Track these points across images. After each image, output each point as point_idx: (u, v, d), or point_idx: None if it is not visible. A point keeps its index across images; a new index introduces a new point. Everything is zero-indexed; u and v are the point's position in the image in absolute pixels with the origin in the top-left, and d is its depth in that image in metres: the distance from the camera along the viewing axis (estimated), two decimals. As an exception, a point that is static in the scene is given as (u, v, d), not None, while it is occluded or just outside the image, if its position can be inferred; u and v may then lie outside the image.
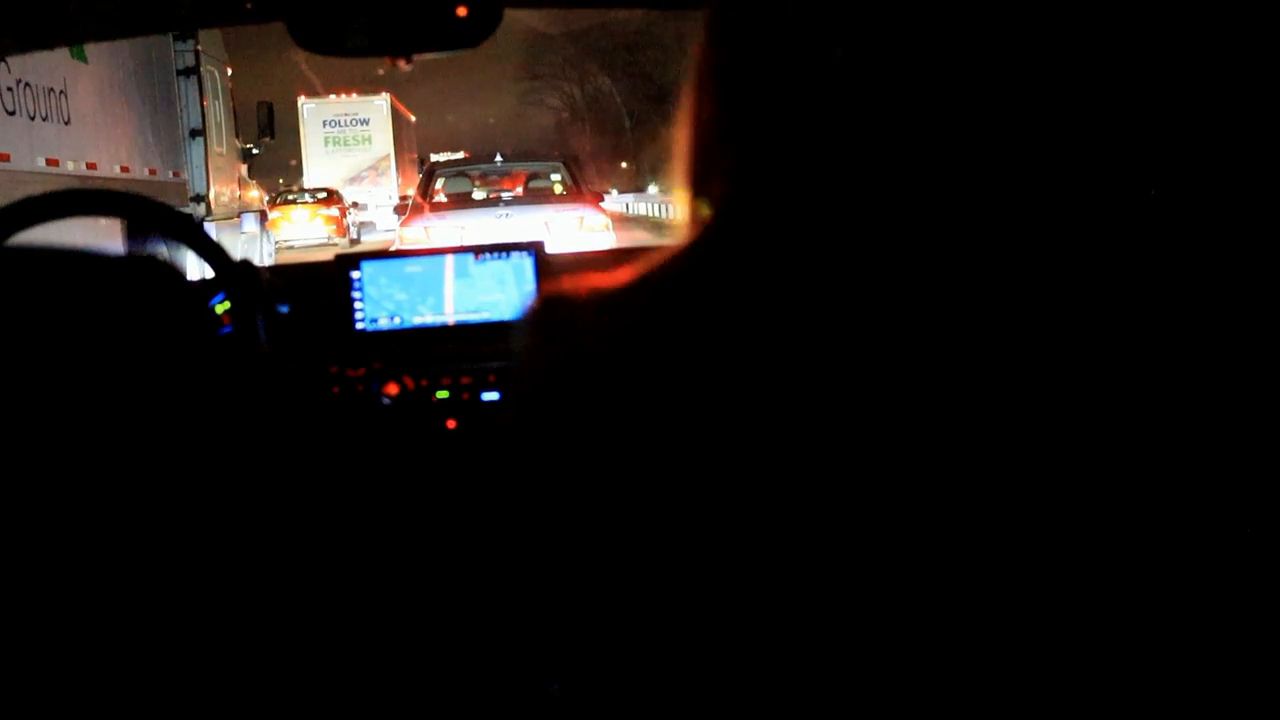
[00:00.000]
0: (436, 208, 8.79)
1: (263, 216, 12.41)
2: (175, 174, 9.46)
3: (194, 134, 9.85)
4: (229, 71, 11.41)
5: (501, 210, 8.51)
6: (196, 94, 9.86)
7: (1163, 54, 0.74)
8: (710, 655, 0.64)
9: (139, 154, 8.53)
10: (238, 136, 11.81)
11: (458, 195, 9.25)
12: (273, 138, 12.53)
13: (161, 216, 1.47)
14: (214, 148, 10.30)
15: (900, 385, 0.62)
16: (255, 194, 12.86)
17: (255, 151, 12.40)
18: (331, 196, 23.25)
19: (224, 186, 10.75)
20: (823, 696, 0.62)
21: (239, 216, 10.91)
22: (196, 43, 9.52)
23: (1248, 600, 0.62)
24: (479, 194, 9.90)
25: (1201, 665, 0.62)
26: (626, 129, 49.84)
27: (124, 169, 8.11)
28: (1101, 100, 0.70)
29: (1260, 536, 0.62)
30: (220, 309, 1.51)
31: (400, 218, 9.14)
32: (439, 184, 9.40)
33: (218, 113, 10.70)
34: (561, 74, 54.78)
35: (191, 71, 9.76)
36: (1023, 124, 0.66)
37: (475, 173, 10.49)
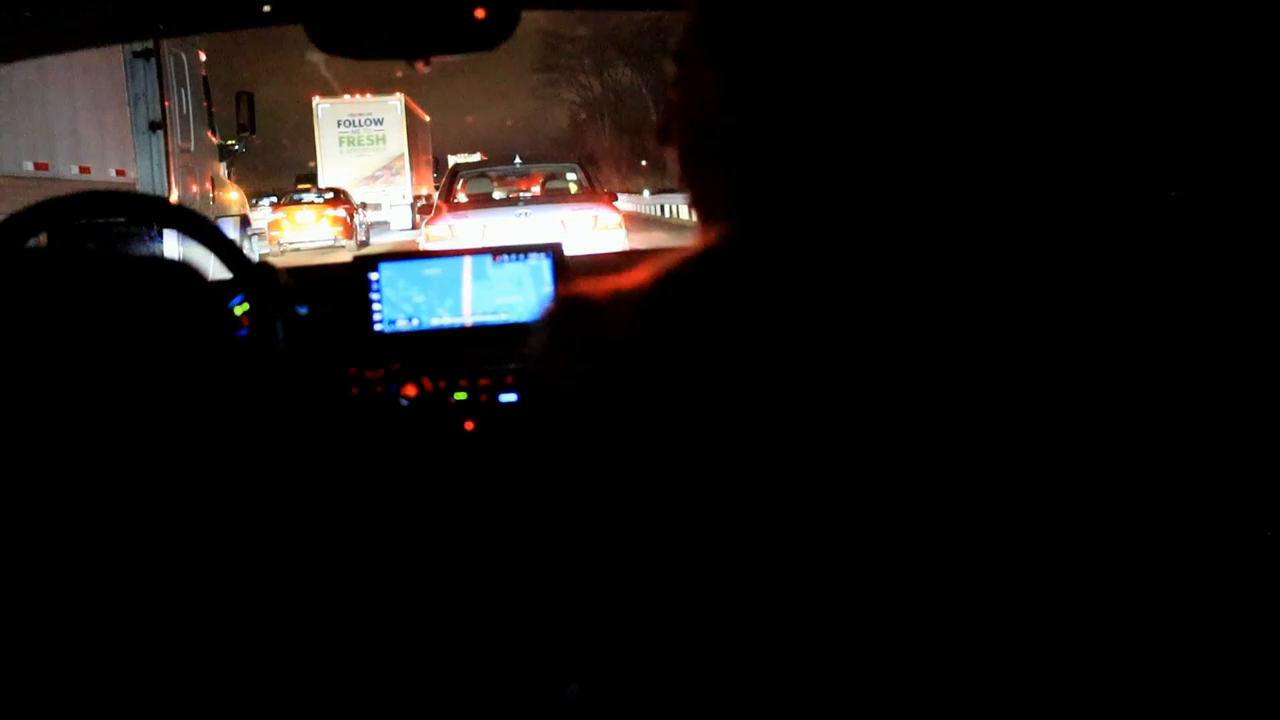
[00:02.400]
0: (460, 207, 9.38)
1: (244, 221, 11.07)
2: (119, 172, 8.37)
3: (153, 127, 8.61)
4: (202, 57, 10.12)
5: (521, 209, 9.02)
6: (155, 81, 8.60)
7: (1185, 59, 0.74)
8: (725, 657, 0.64)
9: (65, 147, 7.43)
10: (213, 131, 10.46)
11: (479, 195, 9.92)
12: (254, 133, 10.90)
13: (180, 218, 1.48)
14: (178, 143, 9.02)
15: (915, 386, 0.63)
16: (235, 196, 11.45)
17: (237, 149, 11.01)
18: (338, 196, 22.33)
19: (192, 188, 9.46)
20: (836, 699, 0.63)
21: (214, 222, 9.83)
22: (155, 21, 8.57)
23: (1248, 600, 0.63)
24: (499, 194, 10.37)
25: (1201, 665, 0.63)
26: (653, 121, 47.11)
27: (40, 165, 7.05)
28: (1123, 104, 0.70)
29: (1264, 537, 0.62)
30: (239, 310, 1.53)
31: (425, 217, 9.67)
32: (462, 184, 10.08)
33: (184, 103, 9.35)
34: (579, 65, 52.30)
35: (150, 54, 8.53)
36: (1044, 129, 0.66)
37: (496, 174, 11.08)
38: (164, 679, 1.43)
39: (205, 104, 10.15)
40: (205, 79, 10.31)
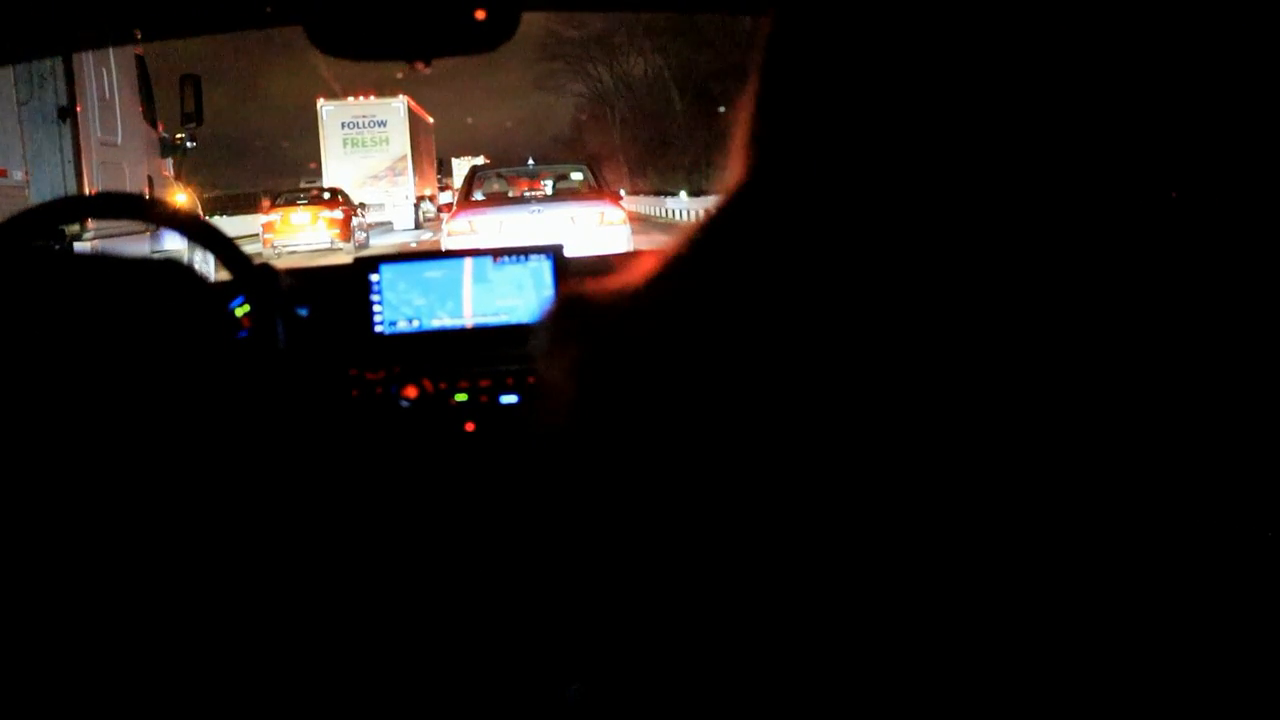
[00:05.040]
0: (478, 204, 10.24)
1: None
2: (-1, 172, 6.74)
3: (62, 115, 7.01)
4: (137, 34, 7.71)
5: (534, 207, 9.86)
6: (62, 58, 6.89)
7: (1186, 58, 0.74)
8: (726, 658, 0.65)
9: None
10: (153, 123, 8.81)
11: (496, 194, 10.83)
12: (200, 123, 8.96)
13: (180, 219, 1.49)
14: (97, 135, 7.43)
15: (920, 387, 0.63)
16: (182, 199, 9.77)
17: (189, 144, 9.31)
18: (335, 197, 21.78)
19: (116, 189, 7.43)
20: (835, 699, 0.63)
21: (152, 230, 7.72)
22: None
23: (1248, 600, 0.63)
24: (514, 192, 11.20)
25: (1201, 665, 0.63)
26: (677, 111, 40.99)
27: None
28: (1124, 104, 0.70)
29: (1264, 537, 0.62)
30: (240, 312, 1.54)
31: (446, 214, 10.70)
32: (480, 184, 11.06)
33: (107, 87, 7.70)
34: (586, 55, 49.10)
35: (54, 24, 6.91)
36: (1045, 127, 0.67)
37: (511, 174, 12.12)
38: (164, 679, 1.43)
39: (140, 89, 8.52)
40: (141, 59, 8.78)
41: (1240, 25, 0.78)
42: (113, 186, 7.55)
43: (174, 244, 7.93)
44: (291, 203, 21.54)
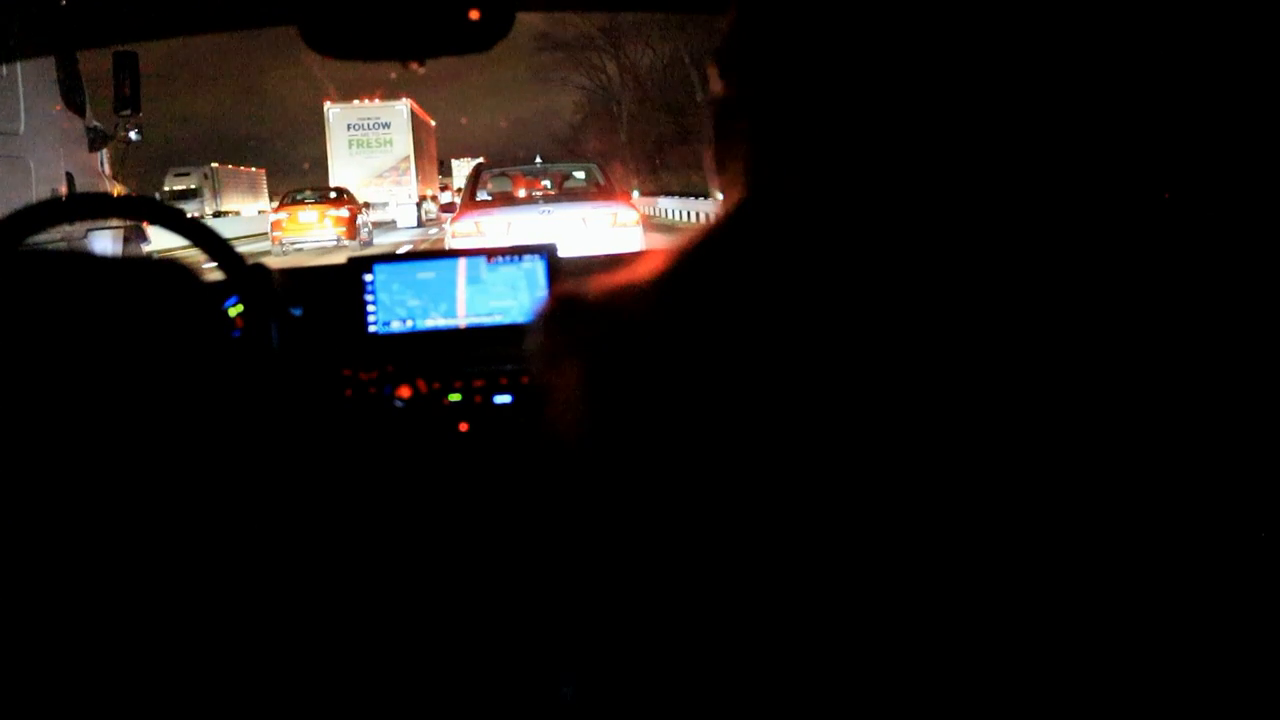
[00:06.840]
0: (484, 205, 9.75)
1: (133, 235, 7.98)
2: None
3: None
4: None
5: (543, 207, 9.37)
6: None
7: (1181, 60, 0.74)
8: (721, 657, 0.64)
9: None
10: (80, 109, 7.50)
11: (503, 194, 10.46)
12: (136, 112, 7.29)
13: (173, 219, 1.48)
14: None
15: (916, 387, 0.62)
16: None
17: (134, 137, 7.82)
18: (342, 196, 22.27)
19: (15, 191, 6.31)
20: (830, 698, 0.62)
21: (77, 235, 6.46)
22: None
23: (1248, 600, 0.62)
24: (521, 192, 10.79)
25: (1201, 665, 0.62)
26: (699, 101, 35.64)
27: None
28: (1119, 105, 0.70)
29: (1262, 537, 0.62)
30: (233, 312, 1.53)
31: (448, 215, 10.23)
32: (486, 183, 10.61)
33: (4, 64, 6.23)
34: (591, 44, 46.31)
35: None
36: (1040, 128, 0.66)
37: (518, 173, 11.61)
38: (160, 679, 1.43)
39: (60, 68, 7.13)
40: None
41: (1235, 26, 0.78)
42: (9, 184, 6.24)
43: (103, 247, 7.16)
44: (298, 201, 21.88)
